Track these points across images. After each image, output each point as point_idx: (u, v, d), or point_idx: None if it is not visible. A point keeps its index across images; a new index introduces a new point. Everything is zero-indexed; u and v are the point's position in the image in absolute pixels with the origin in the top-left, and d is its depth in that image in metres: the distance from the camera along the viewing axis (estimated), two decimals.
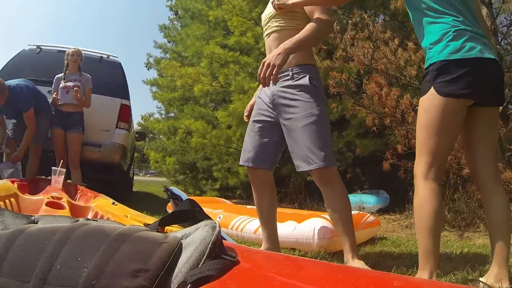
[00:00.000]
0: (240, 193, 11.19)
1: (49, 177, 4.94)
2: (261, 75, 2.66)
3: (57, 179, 4.50)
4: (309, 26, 2.79)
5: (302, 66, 2.94)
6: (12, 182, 4.08)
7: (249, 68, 9.68)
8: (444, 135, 2.39)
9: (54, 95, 5.95)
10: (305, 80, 2.87)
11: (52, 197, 3.29)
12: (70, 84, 5.91)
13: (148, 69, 21.10)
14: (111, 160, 6.68)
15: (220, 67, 8.94)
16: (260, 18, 9.02)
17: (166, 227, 1.92)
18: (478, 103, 2.42)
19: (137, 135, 10.38)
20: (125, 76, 7.44)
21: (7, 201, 2.82)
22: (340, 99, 7.31)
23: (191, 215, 1.89)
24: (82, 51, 6.67)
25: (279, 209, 6.29)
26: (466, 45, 2.33)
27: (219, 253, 1.03)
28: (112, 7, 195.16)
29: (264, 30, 3.22)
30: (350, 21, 7.25)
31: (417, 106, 5.79)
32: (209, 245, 1.01)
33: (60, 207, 2.97)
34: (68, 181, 5.32)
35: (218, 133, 8.93)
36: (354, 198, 7.70)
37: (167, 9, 23.31)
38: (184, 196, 3.44)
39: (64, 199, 3.30)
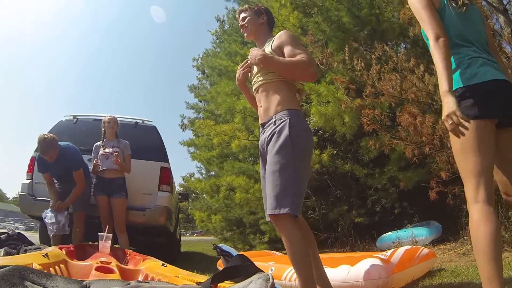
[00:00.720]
0: None
1: (96, 243, 5.01)
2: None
3: (104, 244, 4.62)
4: (290, 59, 3.08)
5: (283, 112, 3.09)
6: (60, 248, 4.14)
7: None
8: (481, 155, 2.40)
9: (94, 162, 6.10)
10: (284, 127, 2.99)
11: (101, 262, 3.32)
12: (109, 150, 6.08)
13: (184, 130, 21.45)
14: (156, 223, 6.72)
15: (254, 121, 8.99)
16: None
17: (219, 284, 1.92)
18: (500, 124, 2.49)
19: (180, 196, 10.46)
20: (161, 139, 7.55)
21: (56, 267, 2.85)
22: (376, 136, 7.27)
23: (242, 270, 1.90)
24: (117, 118, 6.85)
25: (330, 255, 6.23)
26: (480, 70, 2.46)
27: None
28: (142, 73, 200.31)
29: (252, 87, 3.48)
30: (373, 56, 7.26)
31: None
32: None
33: (110, 271, 2.99)
34: (115, 245, 5.36)
35: (260, 186, 8.92)
36: (405, 233, 7.57)
37: (194, 69, 23.87)
38: (233, 252, 3.46)
39: (113, 263, 3.33)
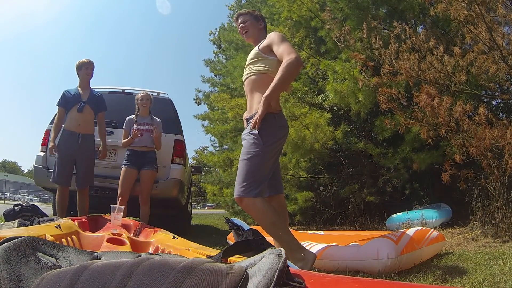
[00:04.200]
0: (299, 219, 11.11)
1: (108, 214, 5.05)
2: (252, 124, 3.43)
3: (117, 216, 4.61)
4: (280, 71, 3.36)
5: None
6: (73, 220, 4.17)
7: (298, 93, 9.71)
8: None
9: (134, 132, 6.04)
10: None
11: (113, 234, 3.35)
12: (143, 127, 6.10)
13: (198, 104, 21.38)
14: (168, 195, 6.74)
15: None
16: (303, 43, 9.09)
17: (230, 258, 1.93)
18: None
19: (193, 169, 10.47)
20: (176, 112, 7.56)
21: (68, 238, 2.87)
22: (392, 115, 7.21)
23: (254, 244, 1.90)
24: (133, 91, 6.84)
25: (340, 232, 6.23)
26: None
27: (287, 281, 1.03)
28: (159, 46, 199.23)
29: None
30: (391, 35, 7.18)
31: (471, 112, 5.68)
32: (276, 273, 1.01)
33: (121, 243, 3.01)
34: (127, 217, 5.36)
35: None
36: (415, 214, 7.54)
37: (211, 44, 23.77)
38: (245, 226, 3.49)
39: (125, 235, 3.35)
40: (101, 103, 6.19)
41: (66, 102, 5.97)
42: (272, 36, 3.65)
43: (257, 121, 3.37)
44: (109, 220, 4.77)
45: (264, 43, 3.69)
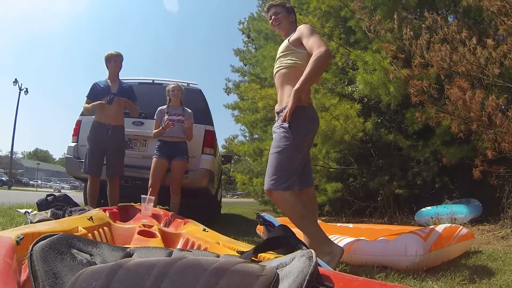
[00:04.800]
0: (328, 210, 11.11)
1: (138, 204, 5.12)
2: (282, 117, 3.45)
3: (147, 206, 4.70)
4: (310, 64, 3.36)
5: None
6: (104, 210, 4.24)
7: (328, 84, 9.67)
8: None
9: (166, 122, 6.01)
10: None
11: (143, 225, 3.39)
12: (174, 118, 6.12)
13: (228, 94, 21.45)
14: (198, 185, 6.78)
15: None
16: (332, 33, 9.03)
17: (260, 254, 1.95)
18: None
19: (223, 159, 10.51)
20: (206, 102, 7.59)
21: (100, 230, 2.92)
22: (422, 108, 7.11)
23: (284, 241, 1.94)
24: (162, 82, 6.96)
25: (369, 225, 6.21)
26: None
27: (317, 285, 1.04)
28: (188, 36, 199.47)
29: None
30: (423, 25, 7.07)
31: (504, 106, 5.57)
32: (307, 277, 1.03)
33: (152, 235, 3.05)
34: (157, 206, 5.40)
35: None
36: (444, 209, 7.46)
37: (240, 33, 23.77)
38: (276, 221, 3.54)
39: (155, 227, 3.40)
40: (131, 94, 6.25)
41: (96, 94, 6.05)
42: (301, 29, 3.66)
43: (288, 114, 3.38)
44: (140, 210, 4.87)
45: (294, 36, 3.70)
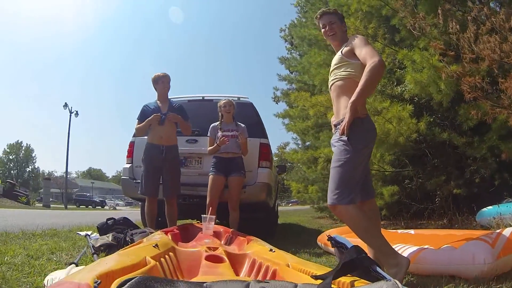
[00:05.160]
0: (386, 214, 10.97)
1: (197, 221, 5.15)
2: (340, 130, 3.40)
3: (208, 226, 4.73)
4: (364, 76, 3.32)
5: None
6: (166, 233, 4.28)
7: (377, 86, 9.57)
8: None
9: (220, 139, 6.07)
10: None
11: (208, 248, 3.40)
12: (228, 134, 6.15)
13: (277, 103, 21.50)
14: (257, 200, 6.76)
15: None
16: (376, 34, 8.93)
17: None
18: None
19: (278, 169, 10.48)
20: (259, 115, 7.60)
21: (166, 256, 2.93)
22: (476, 104, 6.92)
23: (359, 263, 1.93)
24: (213, 98, 7.12)
25: (431, 231, 6.05)
26: None
27: None
28: (230, 49, 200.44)
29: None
30: (468, 17, 6.87)
31: None
32: None
33: (220, 260, 3.05)
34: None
35: None
36: (507, 208, 7.20)
37: (282, 41, 23.83)
38: (348, 242, 3.54)
39: (220, 249, 3.40)
40: (182, 113, 6.28)
41: (146, 116, 6.11)
42: (354, 40, 3.64)
43: (346, 127, 3.35)
44: (199, 228, 4.94)
45: (346, 47, 3.67)
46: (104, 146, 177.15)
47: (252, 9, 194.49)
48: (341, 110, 3.58)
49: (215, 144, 6.12)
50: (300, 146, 17.69)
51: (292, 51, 22.63)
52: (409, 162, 10.13)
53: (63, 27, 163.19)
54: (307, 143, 15.97)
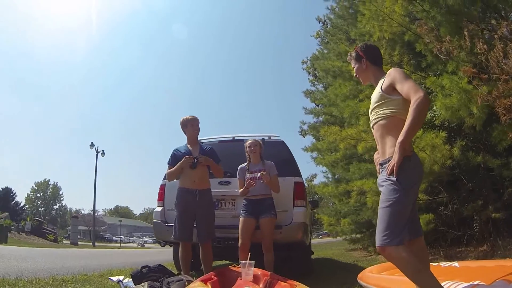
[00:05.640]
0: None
1: (233, 265, 5.06)
2: (388, 170, 3.35)
3: (247, 271, 4.63)
4: (410, 114, 3.22)
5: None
6: (205, 282, 4.17)
7: None
8: None
9: (247, 182, 6.13)
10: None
11: None
12: (256, 175, 6.14)
13: (304, 136, 21.52)
14: (293, 239, 6.66)
15: None
16: (402, 61, 8.82)
17: None
18: None
19: (310, 205, 10.37)
20: (291, 153, 7.53)
21: None
22: (510, 123, 6.72)
23: None
24: (243, 138, 7.15)
25: (479, 263, 5.79)
26: None
27: None
28: (252, 87, 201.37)
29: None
30: (496, 35, 6.73)
31: None
32: None
33: None
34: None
35: None
36: None
37: (305, 73, 23.96)
38: None
39: None
40: (213, 156, 6.25)
41: (177, 160, 6.11)
42: (392, 74, 3.55)
43: (395, 168, 3.29)
44: (237, 272, 4.90)
45: (385, 82, 3.59)
46: (130, 184, 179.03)
47: (269, 41, 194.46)
48: (387, 150, 3.52)
49: (244, 187, 6.14)
50: (330, 179, 17.51)
51: (316, 83, 22.70)
52: (442, 188, 9.87)
53: (90, 72, 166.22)
54: (337, 176, 15.82)
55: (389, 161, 3.39)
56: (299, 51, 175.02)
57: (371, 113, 3.75)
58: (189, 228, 6.02)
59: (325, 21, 21.36)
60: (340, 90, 11.17)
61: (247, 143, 6.39)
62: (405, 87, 3.37)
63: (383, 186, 3.43)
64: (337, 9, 16.63)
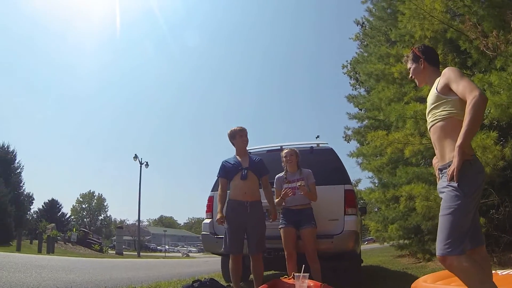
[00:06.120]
0: None
1: (285, 277, 5.12)
2: (449, 176, 3.18)
3: (302, 284, 4.57)
4: (467, 114, 3.10)
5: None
6: None
7: None
8: None
9: (284, 192, 6.06)
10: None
11: None
12: (294, 185, 6.07)
13: (348, 142, 21.37)
14: (345, 249, 6.50)
15: (425, 123, 8.29)
16: (446, 60, 8.55)
17: None
18: None
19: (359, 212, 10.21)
20: (340, 161, 7.40)
21: None
22: None
23: None
24: (291, 146, 7.01)
25: None
26: None
27: None
28: (293, 95, 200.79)
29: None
30: None
31: None
32: None
33: None
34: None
35: None
36: None
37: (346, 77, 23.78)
38: None
39: None
40: (263, 167, 6.23)
41: (227, 172, 6.12)
42: (447, 73, 3.43)
43: (455, 173, 3.13)
44: (289, 284, 4.89)
45: (440, 83, 3.46)
46: (174, 194, 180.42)
47: (302, 47, 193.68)
48: (447, 154, 3.37)
49: (280, 197, 6.10)
50: (376, 184, 17.27)
51: (357, 86, 22.54)
52: (493, 190, 9.51)
53: (130, 84, 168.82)
54: (383, 181, 15.59)
55: (449, 166, 3.23)
56: (334, 56, 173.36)
57: (427, 115, 3.62)
58: (240, 241, 5.97)
59: (363, 23, 21.18)
60: (384, 93, 11.05)
61: (283, 153, 6.38)
62: (460, 87, 3.25)
63: (443, 192, 3.29)
64: (374, 10, 16.43)
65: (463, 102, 3.23)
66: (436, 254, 3.22)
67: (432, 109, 3.52)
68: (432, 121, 3.51)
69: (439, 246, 3.16)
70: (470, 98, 3.10)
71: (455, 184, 3.14)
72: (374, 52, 15.04)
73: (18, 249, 23.78)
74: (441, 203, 3.32)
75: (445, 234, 3.13)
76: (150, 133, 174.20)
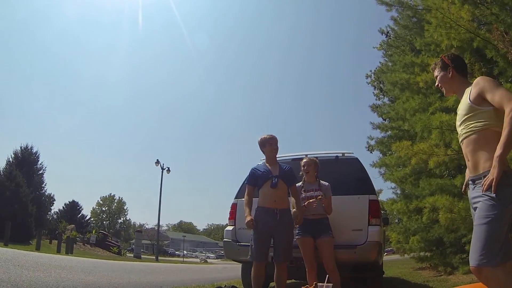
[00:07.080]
0: None
1: (305, 285, 5.25)
2: (485, 186, 3.09)
3: None
4: (506, 125, 2.99)
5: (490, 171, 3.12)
6: None
7: None
8: None
9: (308, 202, 6.05)
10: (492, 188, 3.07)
11: None
12: (313, 194, 6.09)
13: (371, 152, 21.23)
14: (368, 259, 6.43)
15: (451, 133, 8.31)
16: (473, 69, 8.42)
17: None
18: None
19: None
20: (365, 170, 7.35)
21: None
22: None
23: None
24: (316, 155, 7.01)
25: None
26: None
27: None
28: (315, 106, 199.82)
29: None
30: None
31: None
32: None
33: None
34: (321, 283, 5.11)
35: (466, 204, 8.09)
36: None
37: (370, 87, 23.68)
38: None
39: None
40: (293, 176, 6.21)
41: (256, 179, 6.10)
42: (481, 83, 3.31)
43: (493, 184, 3.02)
44: None
45: (472, 93, 3.35)
46: (194, 199, 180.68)
47: (321, 56, 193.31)
48: (480, 165, 3.26)
49: (302, 206, 6.05)
50: (398, 195, 17.11)
51: (381, 96, 22.40)
52: None
53: (155, 88, 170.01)
54: (406, 192, 15.44)
55: (484, 176, 3.14)
56: (354, 66, 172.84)
57: (459, 127, 3.51)
58: (266, 249, 5.93)
59: (388, 32, 20.99)
60: (409, 104, 10.92)
61: (302, 162, 6.37)
62: (496, 96, 3.14)
63: (479, 201, 3.19)
64: (399, 19, 16.32)
65: (498, 112, 3.14)
66: (470, 265, 3.14)
67: (464, 120, 3.42)
68: (465, 133, 3.41)
69: (474, 257, 3.07)
70: (509, 108, 3.00)
71: (493, 194, 3.04)
72: (398, 61, 14.94)
73: (38, 248, 24.06)
74: (476, 213, 3.23)
75: (482, 244, 3.03)
76: (173, 139, 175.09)
